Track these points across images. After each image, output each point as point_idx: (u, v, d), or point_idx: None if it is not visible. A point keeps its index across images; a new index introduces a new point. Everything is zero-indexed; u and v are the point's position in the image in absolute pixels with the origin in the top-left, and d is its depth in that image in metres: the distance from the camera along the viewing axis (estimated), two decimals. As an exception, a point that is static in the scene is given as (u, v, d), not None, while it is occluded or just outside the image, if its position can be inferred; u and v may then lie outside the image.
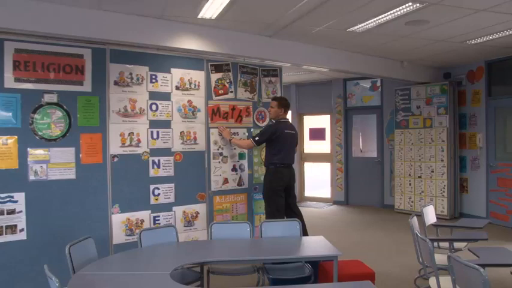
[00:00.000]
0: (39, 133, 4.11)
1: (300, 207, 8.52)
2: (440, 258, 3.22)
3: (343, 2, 4.32)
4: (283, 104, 5.12)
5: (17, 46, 4.03)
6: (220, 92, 5.33)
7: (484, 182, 7.28)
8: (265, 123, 5.62)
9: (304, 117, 10.15)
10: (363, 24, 5.05)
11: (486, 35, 5.55)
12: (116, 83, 4.56)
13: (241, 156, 5.46)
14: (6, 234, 3.89)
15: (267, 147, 5.09)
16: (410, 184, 8.11)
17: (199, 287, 3.47)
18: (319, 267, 3.82)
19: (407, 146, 8.17)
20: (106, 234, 4.41)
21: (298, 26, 5.11)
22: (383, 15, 4.69)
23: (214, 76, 5.30)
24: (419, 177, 7.96)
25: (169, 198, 4.86)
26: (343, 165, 9.37)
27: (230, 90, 5.39)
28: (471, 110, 7.53)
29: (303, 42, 5.92)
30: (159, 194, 4.79)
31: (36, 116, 4.10)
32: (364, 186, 9.17)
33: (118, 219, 4.50)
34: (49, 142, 4.15)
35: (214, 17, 4.68)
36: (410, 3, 4.30)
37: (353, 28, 5.21)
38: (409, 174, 8.13)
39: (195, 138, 5.09)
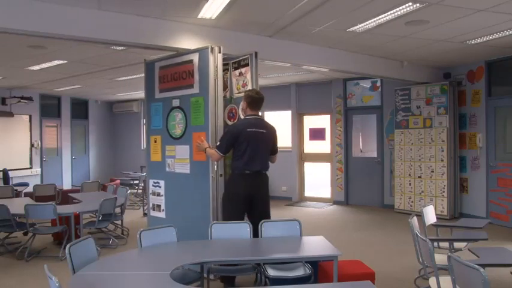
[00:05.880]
0: (170, 133, 4.87)
1: (300, 207, 8.46)
2: (440, 258, 3.21)
3: (343, 2, 4.32)
4: (248, 96, 4.22)
5: (160, 64, 5.00)
6: None
7: (484, 182, 7.27)
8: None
9: (304, 117, 10.14)
10: (363, 24, 5.04)
11: (486, 35, 5.55)
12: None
13: None
14: (155, 210, 5.05)
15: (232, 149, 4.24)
16: (410, 184, 8.11)
17: (199, 287, 3.46)
18: (319, 267, 3.82)
19: (407, 146, 8.16)
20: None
21: (298, 26, 5.11)
22: (383, 15, 4.69)
23: None
24: (419, 177, 7.96)
25: None
26: (343, 165, 9.37)
27: None
28: (471, 110, 7.52)
29: (303, 42, 5.92)
30: None
31: (168, 118, 4.89)
32: (364, 186, 9.16)
33: None
34: (175, 140, 4.82)
35: (214, 17, 4.69)
36: (410, 3, 4.30)
37: (353, 28, 5.21)
38: (409, 174, 8.12)
39: None
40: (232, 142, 4.11)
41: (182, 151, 4.70)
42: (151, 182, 5.11)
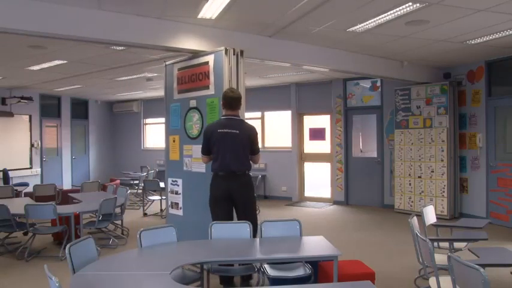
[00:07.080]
0: (187, 133, 4.99)
1: (300, 207, 8.46)
2: (440, 258, 3.21)
3: (343, 2, 4.32)
4: (222, 95, 4.20)
5: (179, 66, 5.14)
6: None
7: (484, 182, 7.27)
8: None
9: (304, 117, 10.14)
10: (363, 24, 5.04)
11: (486, 35, 5.55)
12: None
13: None
14: (173, 208, 5.21)
15: None
16: (410, 184, 8.11)
17: (200, 287, 3.46)
18: (319, 267, 3.82)
19: (407, 146, 8.16)
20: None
21: (298, 26, 5.11)
22: (383, 15, 4.69)
23: None
24: (419, 177, 7.96)
25: None
26: (343, 165, 9.37)
27: None
28: (471, 110, 7.52)
29: (303, 42, 5.92)
30: None
31: (186, 118, 5.01)
32: (364, 186, 9.16)
33: None
34: (192, 140, 4.93)
35: (214, 17, 4.69)
36: (410, 3, 4.30)
37: (353, 28, 5.21)
38: (409, 174, 8.12)
39: None
40: (207, 143, 4.16)
41: (199, 150, 4.67)
42: (169, 180, 5.26)
